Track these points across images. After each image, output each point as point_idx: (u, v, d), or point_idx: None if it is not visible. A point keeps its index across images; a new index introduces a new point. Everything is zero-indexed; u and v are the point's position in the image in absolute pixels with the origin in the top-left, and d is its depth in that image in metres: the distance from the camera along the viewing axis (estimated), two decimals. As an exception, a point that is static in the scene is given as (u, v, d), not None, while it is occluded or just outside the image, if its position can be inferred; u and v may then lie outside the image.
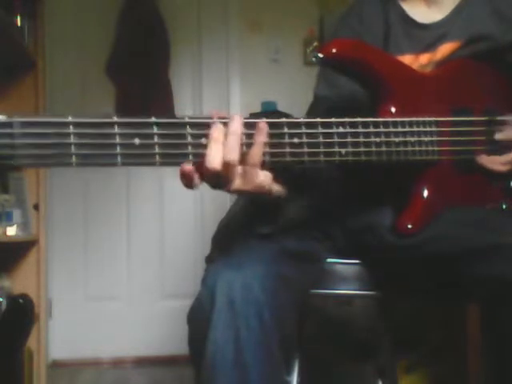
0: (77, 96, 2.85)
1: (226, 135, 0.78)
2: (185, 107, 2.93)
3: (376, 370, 1.44)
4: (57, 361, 2.79)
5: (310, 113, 1.20)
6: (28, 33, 2.27)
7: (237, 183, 0.82)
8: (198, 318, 0.86)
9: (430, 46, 1.13)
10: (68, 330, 2.83)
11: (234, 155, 0.78)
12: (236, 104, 2.96)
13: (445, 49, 1.13)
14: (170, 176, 2.94)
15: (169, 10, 2.94)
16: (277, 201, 0.92)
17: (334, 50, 0.96)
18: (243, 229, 1.07)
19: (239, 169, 0.81)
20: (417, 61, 1.13)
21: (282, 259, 0.93)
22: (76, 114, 0.72)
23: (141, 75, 2.85)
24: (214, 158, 0.77)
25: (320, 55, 0.95)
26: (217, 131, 0.78)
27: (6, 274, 2.21)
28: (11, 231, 2.13)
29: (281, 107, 2.77)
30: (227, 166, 0.79)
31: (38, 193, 2.36)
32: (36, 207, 2.34)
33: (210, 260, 1.01)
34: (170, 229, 2.97)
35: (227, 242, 1.00)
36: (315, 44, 3.00)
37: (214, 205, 2.89)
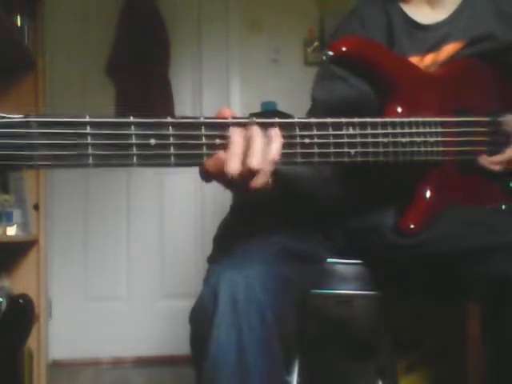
0: (77, 96, 2.85)
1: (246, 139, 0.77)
2: (185, 107, 2.93)
3: (376, 369, 1.44)
4: (57, 361, 2.79)
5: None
6: (28, 33, 2.27)
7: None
8: (200, 318, 0.86)
9: (434, 47, 1.13)
10: (68, 330, 2.83)
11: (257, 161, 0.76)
12: (236, 104, 2.96)
13: (448, 49, 1.13)
14: (171, 177, 2.94)
15: (169, 10, 2.94)
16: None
17: (343, 48, 0.96)
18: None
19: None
20: (422, 62, 1.13)
21: (283, 259, 0.93)
22: (91, 114, 0.70)
23: (141, 75, 2.86)
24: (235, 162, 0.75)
25: (330, 53, 0.95)
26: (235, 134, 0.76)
27: (6, 274, 2.21)
28: (11, 231, 2.13)
29: (281, 107, 2.77)
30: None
31: (38, 193, 2.36)
32: (36, 207, 2.34)
33: (212, 260, 1.01)
34: (170, 229, 2.96)
35: (229, 242, 1.00)
36: (316, 44, 3.00)
37: (214, 205, 2.89)
